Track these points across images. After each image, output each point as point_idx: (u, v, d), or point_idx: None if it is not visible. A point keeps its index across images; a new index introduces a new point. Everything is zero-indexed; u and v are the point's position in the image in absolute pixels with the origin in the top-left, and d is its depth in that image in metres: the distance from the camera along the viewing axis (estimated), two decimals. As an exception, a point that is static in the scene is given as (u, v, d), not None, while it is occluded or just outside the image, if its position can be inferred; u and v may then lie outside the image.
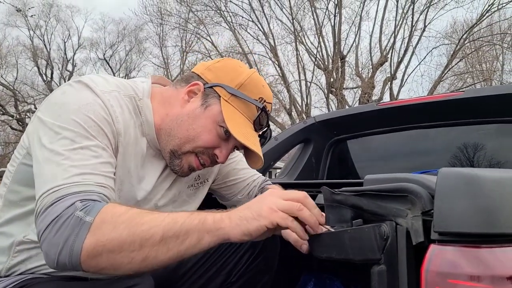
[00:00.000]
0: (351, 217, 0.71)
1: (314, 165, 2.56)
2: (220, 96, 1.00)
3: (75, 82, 0.93)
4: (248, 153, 1.06)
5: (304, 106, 14.01)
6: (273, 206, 0.76)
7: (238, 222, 0.76)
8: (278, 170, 2.85)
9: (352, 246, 0.68)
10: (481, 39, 13.50)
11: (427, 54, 17.96)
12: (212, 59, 1.38)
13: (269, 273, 1.21)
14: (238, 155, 1.29)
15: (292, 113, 13.75)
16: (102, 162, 0.85)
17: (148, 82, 1.05)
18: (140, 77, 1.10)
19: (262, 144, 1.06)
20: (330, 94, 13.60)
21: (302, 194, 0.79)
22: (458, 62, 14.35)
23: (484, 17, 12.85)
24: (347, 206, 0.71)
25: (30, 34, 21.28)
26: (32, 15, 20.77)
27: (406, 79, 13.72)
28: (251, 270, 1.16)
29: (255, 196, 1.27)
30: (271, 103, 1.06)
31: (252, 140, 1.00)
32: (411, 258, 0.63)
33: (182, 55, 17.71)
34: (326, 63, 13.58)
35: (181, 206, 1.12)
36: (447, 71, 13.83)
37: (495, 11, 12.82)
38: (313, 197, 1.24)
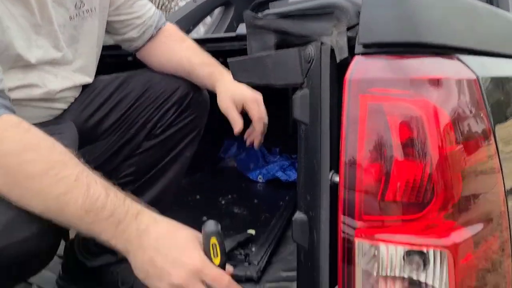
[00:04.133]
0: (275, 43, 0.68)
1: (236, 29, 2.48)
2: None
3: None
4: None
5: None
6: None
7: (141, 269, 0.69)
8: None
9: (275, 71, 0.66)
10: None
11: None
12: None
13: (196, 131, 1.19)
14: None
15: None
16: None
17: None
18: None
19: None
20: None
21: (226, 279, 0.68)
22: None
23: None
24: (271, 31, 0.67)
25: None
26: None
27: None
28: (176, 124, 1.14)
29: (151, 37, 1.20)
30: None
31: None
32: (334, 78, 0.62)
33: None
34: None
35: (71, 44, 1.01)
36: None
37: None
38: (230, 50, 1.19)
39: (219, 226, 0.69)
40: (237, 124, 1.12)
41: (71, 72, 1.01)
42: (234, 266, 1.23)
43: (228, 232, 1.45)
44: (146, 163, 1.13)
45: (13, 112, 0.71)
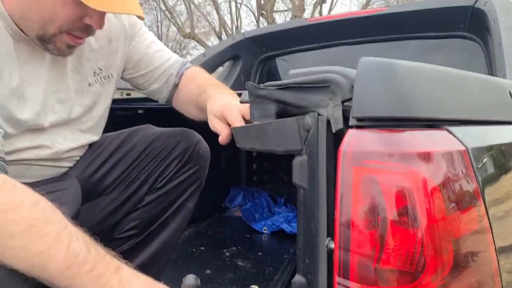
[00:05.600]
0: (276, 112, 0.72)
1: (243, 82, 2.56)
2: None
3: None
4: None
5: (234, 29, 13.68)
6: None
7: None
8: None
9: (276, 138, 0.70)
10: (408, -36, 13.66)
11: (356, -22, 17.97)
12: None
13: (197, 183, 1.22)
14: (148, 37, 1.19)
15: (222, 36, 13.40)
16: None
17: None
18: None
19: None
20: (261, 17, 13.34)
21: None
22: (385, -13, 14.54)
23: None
24: (272, 101, 0.71)
25: None
26: None
27: (336, 3, 13.75)
28: (177, 177, 1.16)
29: (175, 85, 1.21)
30: None
31: None
32: (330, 146, 0.66)
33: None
34: (257, -17, 13.15)
35: (86, 109, 1.06)
36: (375, -4, 14.01)
37: None
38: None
39: (198, 281, 0.73)
40: (222, 132, 0.97)
41: (80, 133, 1.05)
42: (237, 322, 1.22)
43: (232, 287, 1.45)
44: (148, 217, 1.16)
45: (5, 172, 0.75)
